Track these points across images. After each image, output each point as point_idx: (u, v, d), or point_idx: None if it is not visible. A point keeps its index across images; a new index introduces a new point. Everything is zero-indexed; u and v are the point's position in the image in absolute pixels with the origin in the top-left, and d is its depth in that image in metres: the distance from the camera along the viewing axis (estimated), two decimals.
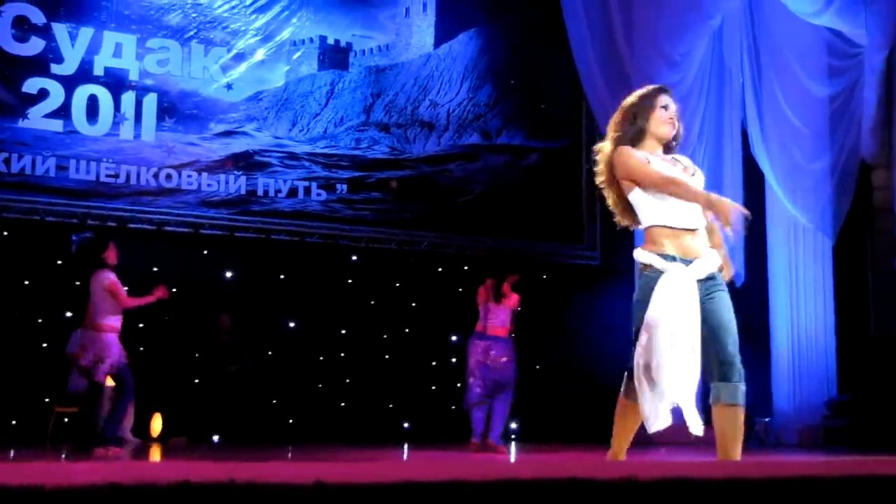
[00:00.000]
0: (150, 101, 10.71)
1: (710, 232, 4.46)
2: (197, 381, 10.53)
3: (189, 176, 10.74)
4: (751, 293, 11.45)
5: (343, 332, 11.28)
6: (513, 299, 8.83)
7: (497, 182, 12.13)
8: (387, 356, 11.41)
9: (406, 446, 9.62)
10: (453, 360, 11.12)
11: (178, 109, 10.83)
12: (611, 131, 4.63)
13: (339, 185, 11.39)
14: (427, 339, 11.57)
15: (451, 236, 11.78)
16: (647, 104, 4.54)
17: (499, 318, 8.78)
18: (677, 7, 11.24)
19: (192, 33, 11.01)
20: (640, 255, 4.34)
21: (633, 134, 4.53)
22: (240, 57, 11.21)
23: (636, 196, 4.45)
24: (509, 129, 12.35)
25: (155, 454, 8.40)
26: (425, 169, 11.87)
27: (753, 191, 11.62)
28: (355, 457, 7.63)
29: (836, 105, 11.54)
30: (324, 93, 11.64)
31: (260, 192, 11.00)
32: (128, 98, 10.63)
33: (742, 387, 4.17)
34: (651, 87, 4.64)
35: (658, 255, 4.29)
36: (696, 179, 4.51)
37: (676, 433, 11.29)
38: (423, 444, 10.09)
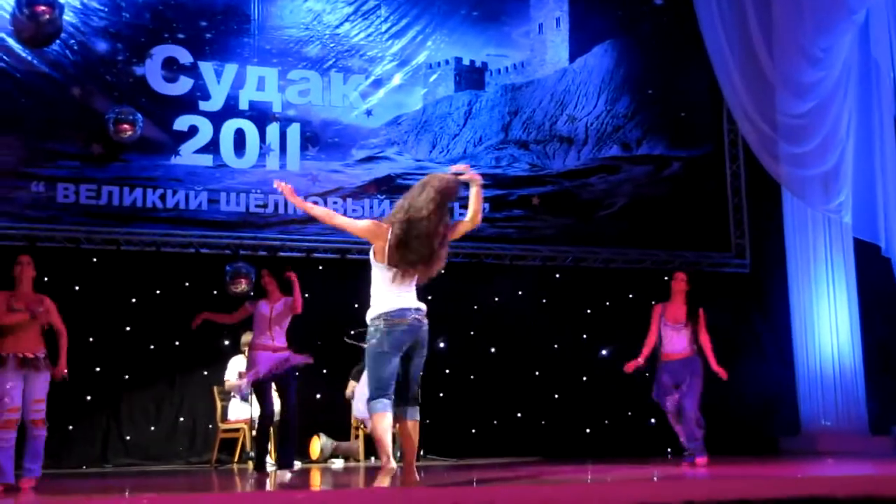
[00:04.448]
0: (294, 131, 10.98)
1: None
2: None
3: (334, 202, 10.94)
4: None
5: (492, 350, 11.31)
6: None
7: (639, 193, 11.99)
8: (536, 372, 11.38)
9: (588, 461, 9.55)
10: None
11: (320, 138, 11.06)
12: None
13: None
14: (576, 354, 11.50)
15: (595, 250, 11.69)
16: None
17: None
18: (819, 5, 10.94)
19: (330, 63, 11.24)
20: None
21: None
22: (378, 83, 11.39)
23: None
24: (649, 140, 12.20)
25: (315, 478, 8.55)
26: (566, 184, 11.81)
27: None
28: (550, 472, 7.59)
29: None
30: (462, 113, 11.73)
31: None
32: (272, 130, 10.92)
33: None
34: None
35: None
36: None
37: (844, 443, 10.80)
38: (597, 456, 10.02)
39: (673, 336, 8.61)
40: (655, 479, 6.42)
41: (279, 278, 8.67)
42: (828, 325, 11.28)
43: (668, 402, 8.52)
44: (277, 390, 8.62)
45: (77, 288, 9.98)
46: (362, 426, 10.23)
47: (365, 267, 11.01)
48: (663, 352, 8.61)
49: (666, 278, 9.63)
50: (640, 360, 8.55)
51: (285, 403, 8.56)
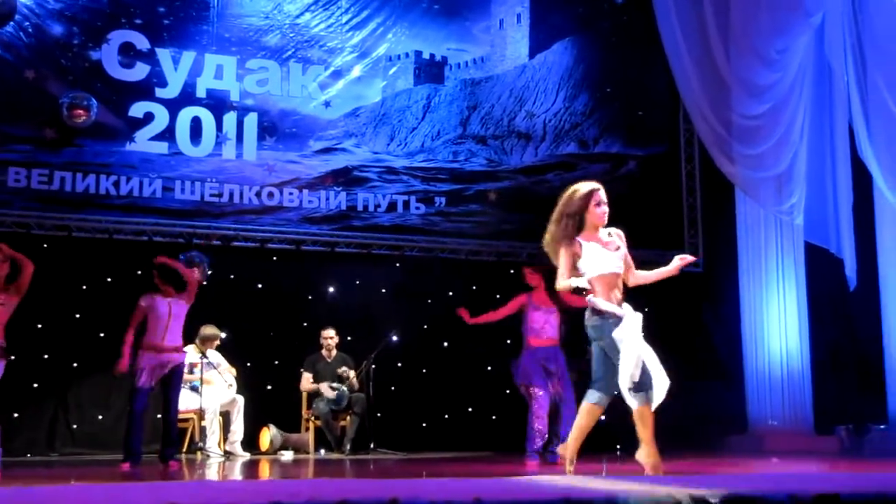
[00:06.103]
0: (251, 120, 10.92)
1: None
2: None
3: (290, 193, 10.91)
4: (861, 299, 11.13)
5: (445, 344, 11.31)
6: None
7: None
8: (489, 367, 11.39)
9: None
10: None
11: (278, 128, 11.01)
12: (554, 223, 6.10)
13: (437, 199, 11.44)
14: None
15: None
16: (584, 203, 6.10)
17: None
18: (776, 6, 11.01)
19: (290, 53, 11.19)
20: (602, 304, 5.80)
21: (576, 225, 6.06)
22: (337, 74, 11.36)
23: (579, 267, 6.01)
24: (606, 138, 12.26)
25: (264, 468, 8.52)
26: (523, 180, 11.84)
27: (863, 193, 11.29)
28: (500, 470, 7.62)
29: None
30: (420, 107, 11.72)
31: (360, 208, 11.12)
32: (229, 119, 10.86)
33: None
34: (587, 186, 6.20)
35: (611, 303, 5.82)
36: (620, 252, 6.09)
37: (790, 443, 10.89)
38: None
39: (544, 320, 8.81)
40: (604, 474, 6.45)
41: (176, 282, 8.36)
42: (777, 326, 11.38)
43: (548, 388, 8.66)
44: (162, 389, 8.32)
45: None
46: (313, 419, 10.22)
47: (318, 258, 11.06)
48: (534, 338, 8.82)
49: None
50: (465, 312, 9.07)
51: (167, 403, 8.27)
